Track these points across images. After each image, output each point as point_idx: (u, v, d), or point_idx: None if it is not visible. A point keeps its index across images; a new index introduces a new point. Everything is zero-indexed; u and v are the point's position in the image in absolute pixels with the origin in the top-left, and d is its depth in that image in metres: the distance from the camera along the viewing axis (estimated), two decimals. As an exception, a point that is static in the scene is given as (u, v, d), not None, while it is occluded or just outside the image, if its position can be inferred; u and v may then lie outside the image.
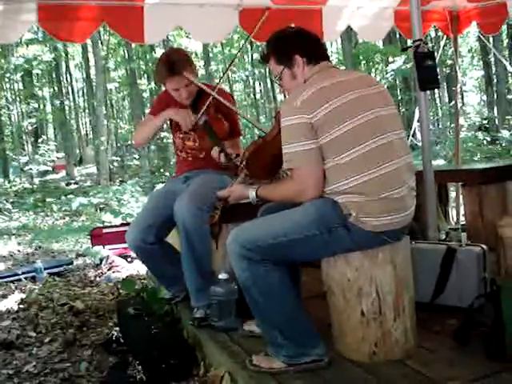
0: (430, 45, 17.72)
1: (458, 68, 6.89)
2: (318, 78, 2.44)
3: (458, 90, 7.25)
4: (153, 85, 23.15)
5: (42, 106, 25.33)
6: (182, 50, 3.83)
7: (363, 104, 2.37)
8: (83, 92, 30.08)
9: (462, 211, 5.60)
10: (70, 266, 6.38)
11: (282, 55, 2.54)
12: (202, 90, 3.50)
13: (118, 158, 22.36)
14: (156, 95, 18.20)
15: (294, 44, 2.54)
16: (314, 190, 2.35)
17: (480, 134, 16.15)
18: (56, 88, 25.74)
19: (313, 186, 2.35)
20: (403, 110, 18.46)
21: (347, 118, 2.31)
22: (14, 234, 10.14)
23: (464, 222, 4.94)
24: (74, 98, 29.40)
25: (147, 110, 20.34)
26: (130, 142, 21.64)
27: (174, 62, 3.35)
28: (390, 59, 18.48)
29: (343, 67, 18.89)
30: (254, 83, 29.34)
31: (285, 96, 2.71)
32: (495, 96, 19.07)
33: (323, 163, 2.34)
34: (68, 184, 19.79)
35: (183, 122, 3.43)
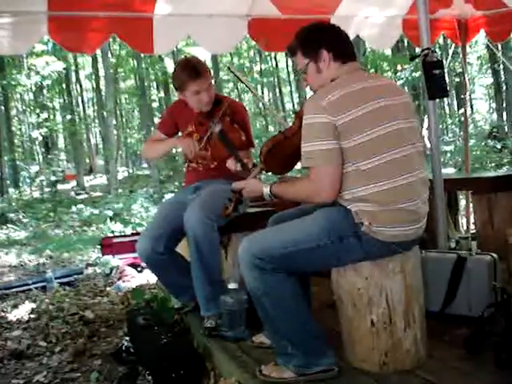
0: (438, 53, 17.68)
1: (466, 76, 6.89)
2: (346, 79, 2.40)
3: (467, 97, 7.25)
4: (162, 94, 23.26)
5: (52, 117, 25.45)
6: (196, 57, 3.85)
7: (388, 114, 2.35)
8: (93, 102, 30.23)
9: (471, 220, 5.58)
10: (81, 276, 6.40)
11: (309, 48, 2.50)
12: (218, 99, 3.52)
13: (128, 168, 22.43)
14: (166, 105, 18.29)
15: (321, 38, 2.50)
16: (330, 191, 2.31)
17: (489, 142, 16.07)
18: (66, 98, 25.90)
19: (329, 187, 2.30)
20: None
21: (372, 126, 2.29)
22: (24, 244, 10.19)
23: (474, 231, 4.92)
24: (84, 109, 29.55)
25: (156, 120, 20.45)
26: (139, 152, 21.70)
27: (196, 65, 3.40)
28: (399, 67, 18.46)
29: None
30: (262, 92, 29.40)
31: (312, 91, 2.65)
32: (504, 104, 19.01)
33: (343, 166, 2.31)
34: (78, 194, 19.87)
35: (187, 150, 3.45)
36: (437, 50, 17.19)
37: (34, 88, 21.14)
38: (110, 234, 9.19)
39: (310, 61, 2.51)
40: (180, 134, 3.75)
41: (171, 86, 23.94)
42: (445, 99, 20.24)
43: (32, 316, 4.76)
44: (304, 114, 2.36)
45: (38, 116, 21.61)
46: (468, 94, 8.00)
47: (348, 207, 2.33)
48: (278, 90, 27.09)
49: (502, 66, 18.20)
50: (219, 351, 2.95)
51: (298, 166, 2.61)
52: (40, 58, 17.84)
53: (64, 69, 20.78)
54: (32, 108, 22.64)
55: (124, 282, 5.79)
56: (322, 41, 2.49)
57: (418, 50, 4.05)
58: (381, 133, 2.31)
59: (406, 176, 2.33)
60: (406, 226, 2.34)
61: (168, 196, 12.85)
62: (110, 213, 12.61)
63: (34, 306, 5.08)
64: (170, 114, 3.79)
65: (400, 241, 2.36)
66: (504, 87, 18.96)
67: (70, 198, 18.40)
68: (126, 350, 3.51)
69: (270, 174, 3.01)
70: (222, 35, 4.83)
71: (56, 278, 5.96)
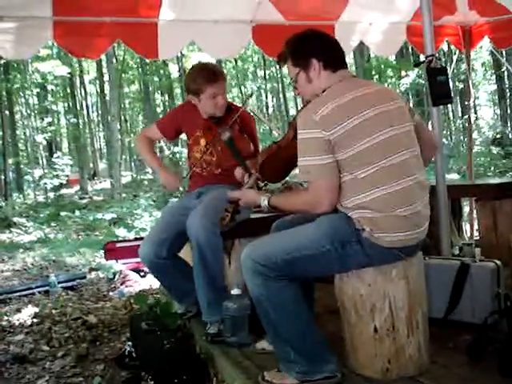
0: (442, 59, 17.71)
1: (470, 82, 6.89)
2: (337, 89, 2.40)
3: (471, 104, 7.25)
4: (166, 99, 23.30)
5: (56, 121, 25.52)
6: (211, 62, 3.85)
7: (382, 122, 2.34)
8: (97, 107, 30.31)
9: (475, 226, 5.57)
10: (84, 280, 6.42)
11: (299, 57, 2.50)
12: (229, 105, 3.53)
13: (132, 173, 22.43)
14: (170, 109, 18.32)
15: (311, 47, 2.50)
16: (328, 204, 2.32)
17: (493, 149, 16.07)
18: (70, 103, 25.97)
19: (327, 200, 2.31)
20: (416, 124, 18.36)
21: (365, 136, 2.29)
22: (28, 248, 10.19)
23: (478, 237, 4.91)
24: (88, 113, 29.62)
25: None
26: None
27: (213, 69, 3.43)
28: (403, 73, 18.47)
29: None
30: (266, 97, 29.44)
31: (302, 101, 2.67)
32: (508, 110, 19.01)
33: (340, 176, 2.33)
34: (82, 198, 19.89)
35: (168, 186, 3.63)
36: (441, 56, 17.20)
37: (38, 89, 21.21)
38: (114, 239, 9.19)
39: (300, 70, 2.51)
40: (185, 138, 3.75)
41: (175, 90, 24.05)
42: (449, 105, 20.26)
43: (35, 320, 4.76)
44: (298, 128, 2.37)
45: (42, 120, 21.68)
46: (472, 100, 8.00)
47: (349, 214, 2.33)
48: (282, 96, 27.13)
49: (506, 73, 18.20)
50: (222, 357, 2.94)
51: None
52: (45, 62, 17.88)
53: (68, 73, 20.86)
54: (36, 112, 22.69)
55: (127, 286, 5.79)
56: (312, 49, 2.49)
57: (422, 56, 4.06)
58: (375, 141, 2.31)
59: (403, 181, 2.33)
60: (407, 231, 2.34)
61: (171, 201, 12.85)
62: (114, 217, 12.61)
63: (36, 310, 5.09)
64: (174, 116, 3.78)
65: (402, 246, 2.36)
66: (508, 93, 18.97)
67: (74, 202, 18.40)
68: (129, 355, 3.50)
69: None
70: (226, 41, 4.85)
71: (59, 283, 5.98)
